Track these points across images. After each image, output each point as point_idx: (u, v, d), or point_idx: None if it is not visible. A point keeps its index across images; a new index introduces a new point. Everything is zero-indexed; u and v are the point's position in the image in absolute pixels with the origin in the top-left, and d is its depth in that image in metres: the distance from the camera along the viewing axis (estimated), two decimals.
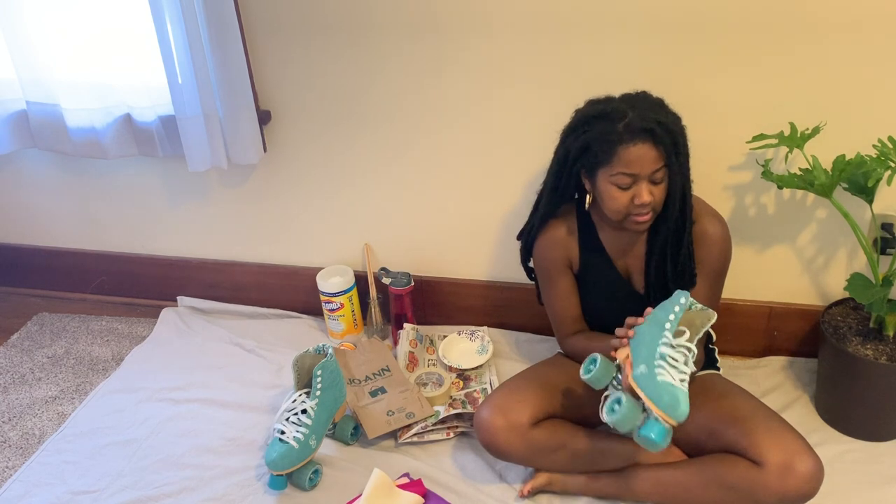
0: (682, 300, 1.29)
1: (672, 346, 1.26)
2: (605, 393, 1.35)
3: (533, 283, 1.69)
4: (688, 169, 1.41)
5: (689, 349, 1.27)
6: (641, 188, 1.36)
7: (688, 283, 1.48)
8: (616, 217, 1.41)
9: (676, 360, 1.26)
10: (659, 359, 1.25)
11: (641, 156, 1.33)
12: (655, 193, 1.37)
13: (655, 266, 1.47)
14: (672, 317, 1.28)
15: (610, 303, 1.56)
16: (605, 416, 1.29)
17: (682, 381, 1.25)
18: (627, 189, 1.37)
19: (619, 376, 1.33)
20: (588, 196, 1.48)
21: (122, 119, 1.88)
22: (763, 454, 1.35)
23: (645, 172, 1.34)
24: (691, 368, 1.27)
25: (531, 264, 1.65)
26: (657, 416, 1.23)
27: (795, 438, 1.37)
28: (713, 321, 1.30)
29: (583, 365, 1.33)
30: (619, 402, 1.27)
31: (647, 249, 1.50)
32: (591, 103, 1.43)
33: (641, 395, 1.24)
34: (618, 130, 1.33)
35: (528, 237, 1.61)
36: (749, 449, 1.37)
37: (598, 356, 1.32)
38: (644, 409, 1.27)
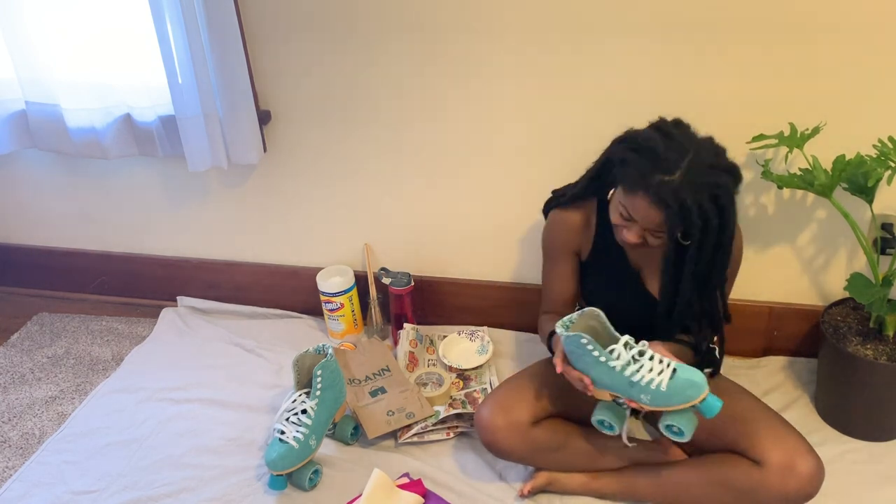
0: (583, 341, 1.31)
1: (627, 363, 1.31)
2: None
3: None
4: (717, 261, 1.35)
5: (625, 345, 1.32)
6: (634, 228, 1.36)
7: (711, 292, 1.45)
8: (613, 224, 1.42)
9: (639, 361, 1.31)
10: (635, 378, 1.30)
11: (648, 215, 1.31)
12: (650, 241, 1.37)
13: (671, 282, 1.43)
14: (596, 353, 1.31)
15: (621, 299, 1.54)
16: (674, 438, 1.33)
17: (661, 363, 1.30)
18: (625, 220, 1.37)
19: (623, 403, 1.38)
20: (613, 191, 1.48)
21: (122, 119, 1.88)
22: (764, 454, 1.35)
23: (644, 224, 1.34)
24: (639, 347, 1.32)
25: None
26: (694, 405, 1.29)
27: (796, 438, 1.37)
28: (597, 311, 1.35)
29: (600, 427, 1.41)
30: (673, 426, 1.32)
31: (664, 268, 1.45)
32: (666, 128, 1.33)
33: (673, 409, 1.29)
34: (651, 179, 1.27)
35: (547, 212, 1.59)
36: (750, 449, 1.37)
37: (607, 420, 1.38)
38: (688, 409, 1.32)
